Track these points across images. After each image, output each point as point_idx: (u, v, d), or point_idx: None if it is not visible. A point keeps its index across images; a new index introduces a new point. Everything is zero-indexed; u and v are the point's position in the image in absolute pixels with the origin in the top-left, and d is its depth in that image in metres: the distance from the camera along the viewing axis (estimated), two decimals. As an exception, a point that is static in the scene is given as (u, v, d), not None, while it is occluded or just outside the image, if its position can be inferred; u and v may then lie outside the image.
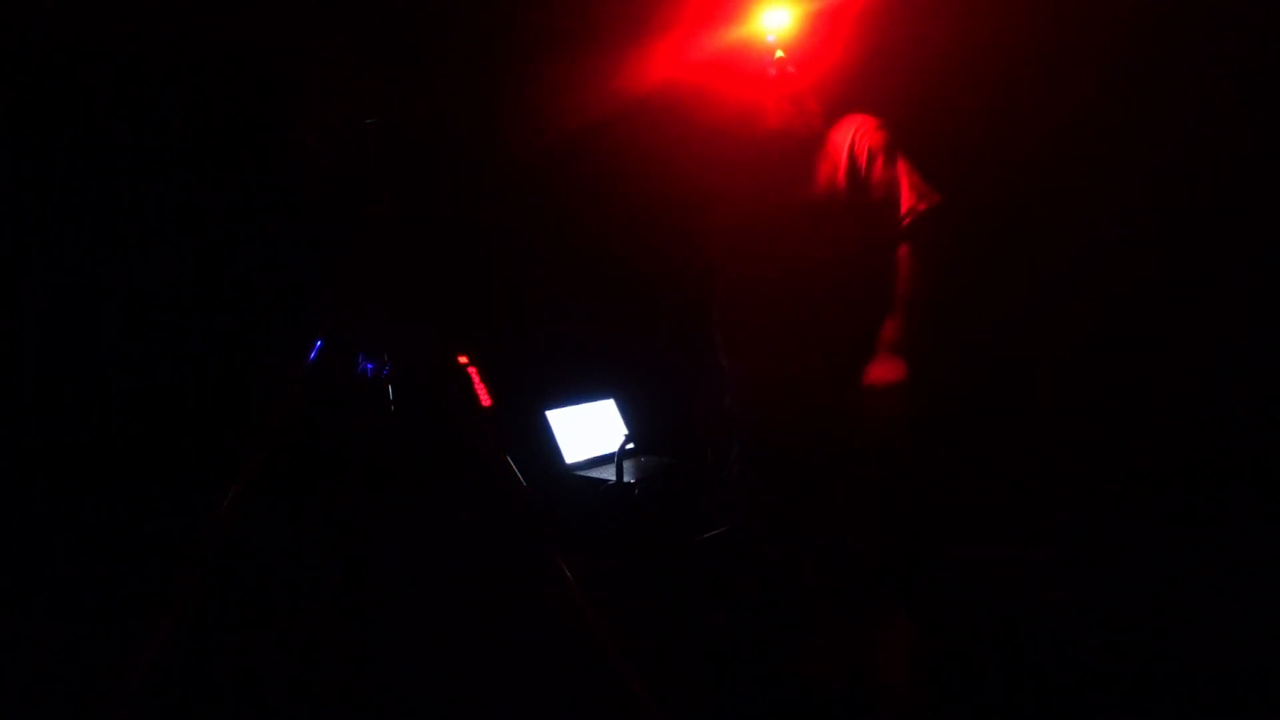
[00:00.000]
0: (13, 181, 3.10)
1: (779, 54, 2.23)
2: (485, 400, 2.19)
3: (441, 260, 3.13)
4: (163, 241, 3.35)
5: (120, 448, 3.63)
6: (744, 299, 2.22)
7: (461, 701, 2.38)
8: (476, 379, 2.17)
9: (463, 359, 2.17)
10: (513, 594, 3.10)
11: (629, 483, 2.91)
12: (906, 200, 2.17)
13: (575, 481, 3.06)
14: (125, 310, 3.40)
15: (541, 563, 2.17)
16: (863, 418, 2.09)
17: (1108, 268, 3.35)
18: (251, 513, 2.15)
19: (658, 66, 2.52)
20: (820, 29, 2.23)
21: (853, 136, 2.20)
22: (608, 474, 2.97)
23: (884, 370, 2.09)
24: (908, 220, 2.16)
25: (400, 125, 2.27)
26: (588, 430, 3.26)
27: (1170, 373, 3.44)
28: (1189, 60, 3.00)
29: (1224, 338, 3.35)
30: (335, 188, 2.27)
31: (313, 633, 2.37)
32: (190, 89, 3.13)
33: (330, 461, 2.61)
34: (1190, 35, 2.96)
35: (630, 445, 3.04)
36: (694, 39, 2.36)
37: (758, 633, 2.52)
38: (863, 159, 2.18)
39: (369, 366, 2.25)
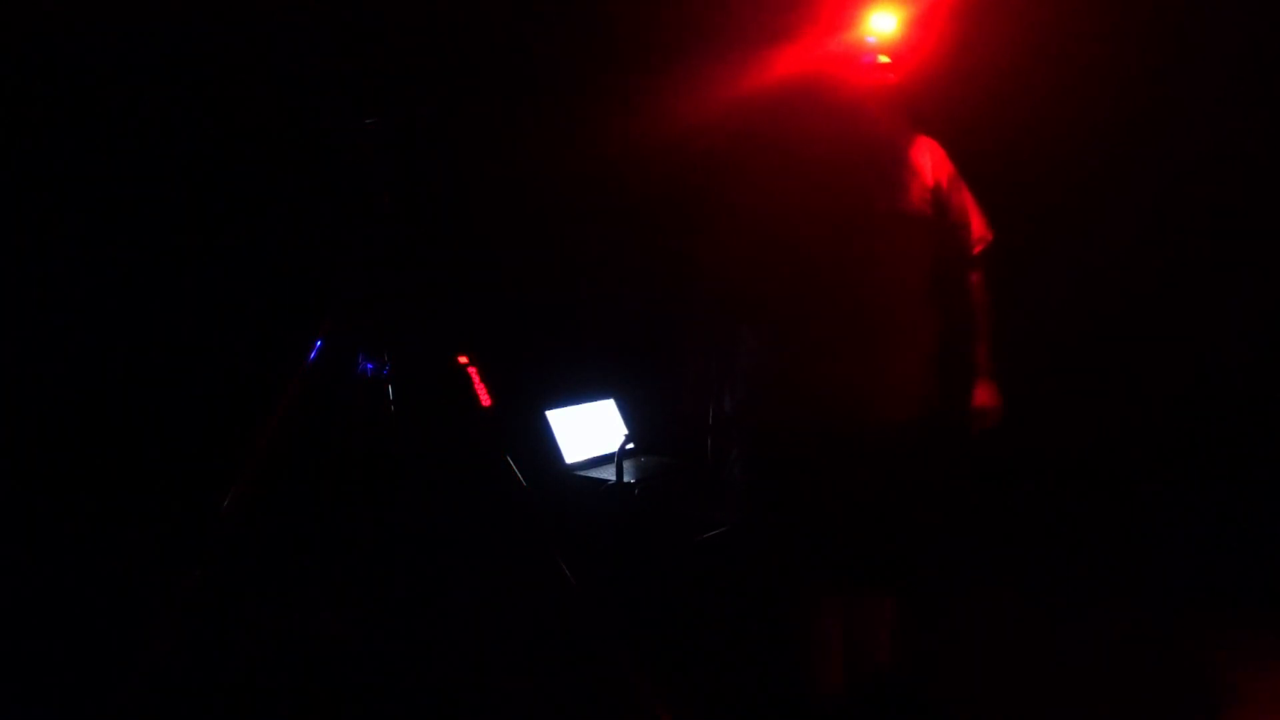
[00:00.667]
0: (11, 182, 3.10)
1: (883, 59, 2.21)
2: (485, 400, 2.19)
3: (442, 260, 3.13)
4: (163, 242, 3.35)
5: (121, 447, 3.63)
6: (813, 302, 2.17)
7: (462, 701, 2.38)
8: (476, 379, 2.17)
9: (463, 359, 2.17)
10: (513, 594, 3.10)
11: (629, 483, 2.91)
12: (977, 228, 2.29)
13: (575, 481, 3.06)
14: (126, 310, 3.40)
15: (542, 563, 2.17)
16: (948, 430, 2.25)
17: (1128, 268, 3.36)
18: (253, 512, 2.15)
19: (670, 73, 2.51)
20: (916, 35, 2.22)
21: (932, 157, 2.24)
22: (608, 474, 2.98)
23: (991, 395, 2.29)
24: (979, 248, 2.29)
25: (400, 125, 2.27)
26: (588, 430, 3.26)
27: (1170, 372, 3.45)
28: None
29: (1229, 338, 3.37)
30: (335, 187, 2.27)
31: (314, 632, 2.37)
32: (192, 89, 3.13)
33: (330, 461, 2.61)
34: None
35: (630, 445, 3.04)
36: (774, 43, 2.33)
37: (755, 630, 2.52)
38: (945, 181, 2.25)
39: (369, 366, 2.24)
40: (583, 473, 3.10)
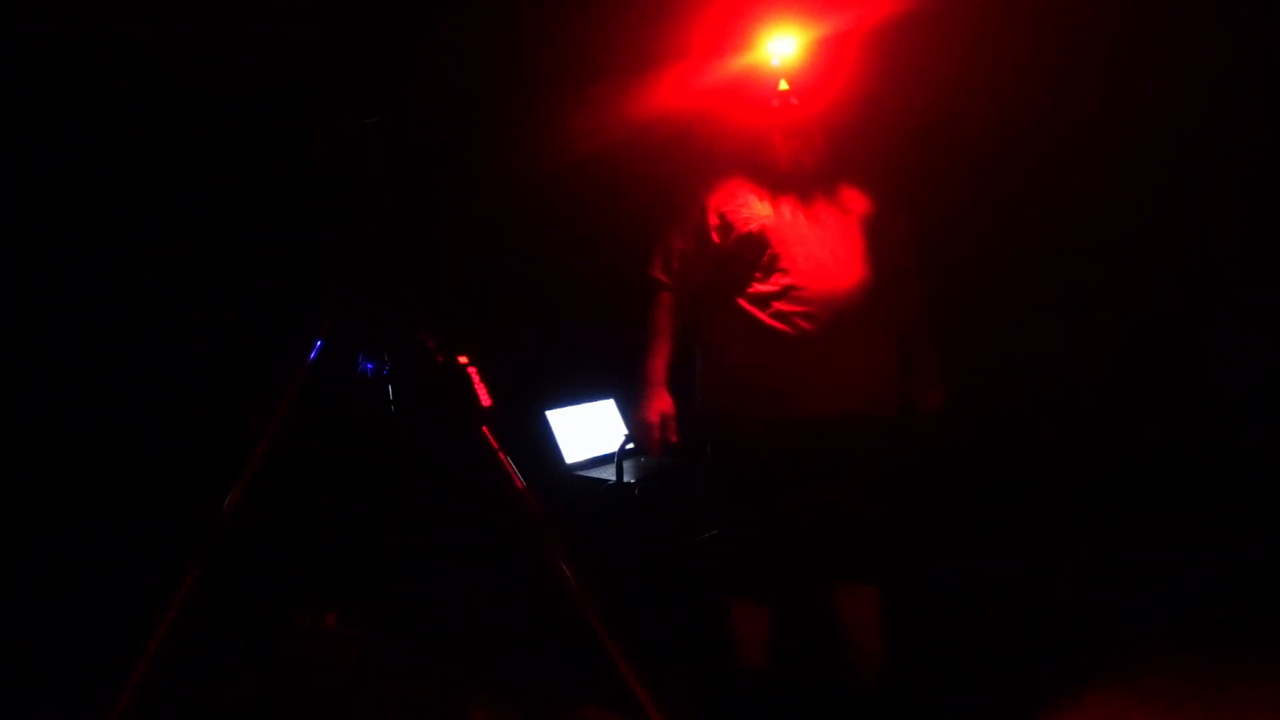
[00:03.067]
0: (16, 180, 3.10)
1: (783, 85, 2.21)
2: (485, 400, 2.19)
3: (442, 260, 3.13)
4: (163, 242, 3.35)
5: (121, 447, 3.63)
6: (829, 295, 2.20)
7: (461, 700, 2.38)
8: (476, 379, 2.17)
9: (463, 359, 2.17)
10: (513, 594, 3.10)
11: (629, 483, 2.91)
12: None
13: (575, 481, 3.06)
14: (127, 310, 3.40)
15: (542, 562, 2.17)
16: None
17: (1109, 281, 3.38)
18: (252, 512, 2.15)
19: (665, 90, 2.51)
20: (824, 58, 2.20)
21: (860, 175, 2.30)
22: (608, 474, 2.97)
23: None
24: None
25: (401, 125, 2.27)
26: (588, 430, 3.26)
27: (1151, 378, 3.46)
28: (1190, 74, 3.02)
29: (1226, 348, 3.37)
30: (336, 187, 2.27)
31: (313, 632, 2.37)
32: (193, 89, 3.13)
33: (330, 461, 2.61)
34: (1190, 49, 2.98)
35: (630, 445, 3.04)
36: (701, 67, 2.34)
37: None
38: (876, 195, 2.29)
39: (369, 366, 2.24)
40: (583, 473, 3.10)
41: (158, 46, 2.91)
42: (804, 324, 2.18)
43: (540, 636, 2.80)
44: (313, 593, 2.50)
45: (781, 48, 2.18)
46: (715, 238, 2.28)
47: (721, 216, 2.27)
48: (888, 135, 2.45)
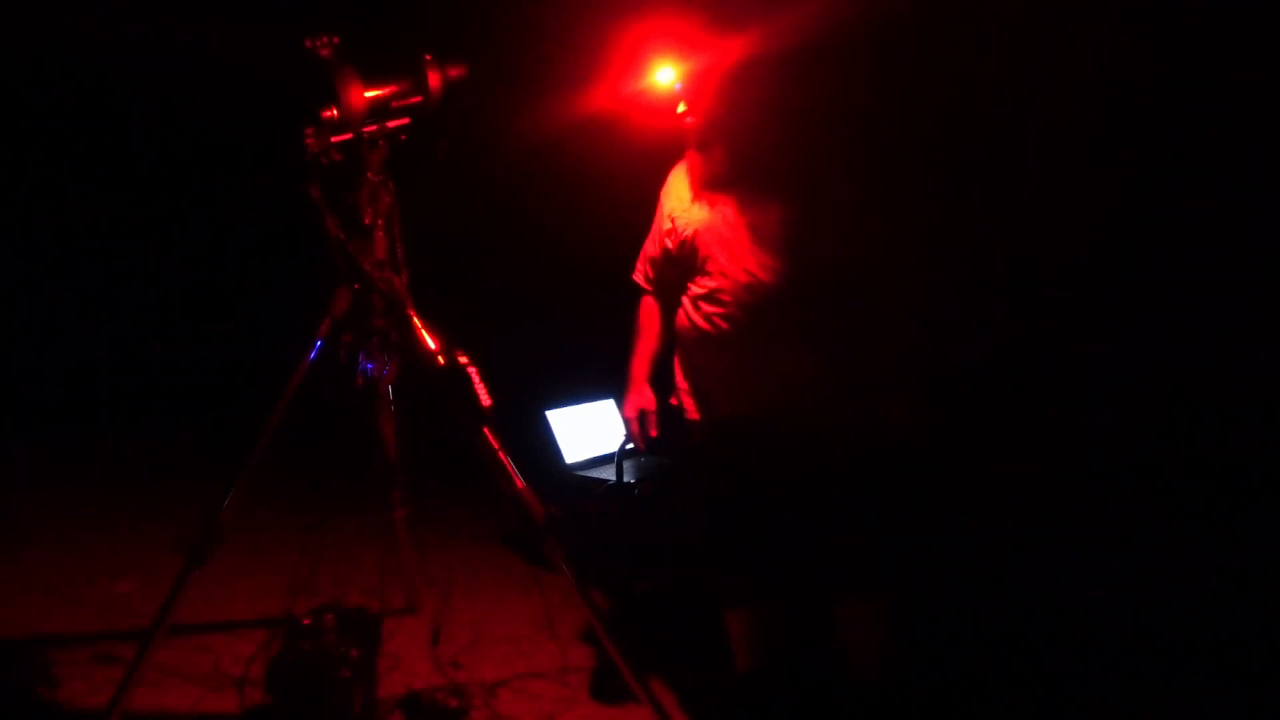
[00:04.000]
0: (17, 180, 3.11)
1: (681, 107, 2.27)
2: (485, 400, 2.19)
3: (442, 259, 3.14)
4: (166, 243, 3.35)
5: (121, 446, 3.64)
6: (748, 297, 2.21)
7: (462, 700, 2.38)
8: (477, 378, 2.17)
9: (463, 358, 2.16)
10: (512, 594, 3.10)
11: (629, 483, 2.92)
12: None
13: (575, 481, 3.07)
14: (127, 309, 3.41)
15: (541, 562, 2.18)
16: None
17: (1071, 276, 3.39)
18: (252, 512, 2.15)
19: (600, 102, 2.57)
20: (699, 86, 2.23)
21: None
22: (608, 474, 2.98)
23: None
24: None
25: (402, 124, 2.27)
26: (588, 430, 3.26)
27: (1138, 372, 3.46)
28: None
29: (1222, 340, 3.37)
30: (335, 187, 2.27)
31: (314, 631, 2.37)
32: (191, 89, 3.14)
33: (331, 460, 2.61)
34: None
35: (630, 445, 3.05)
36: (619, 84, 2.41)
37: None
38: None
39: (369, 366, 2.24)
40: (583, 473, 3.11)
41: (140, 47, 2.91)
42: (722, 324, 2.22)
43: (540, 636, 2.80)
44: (318, 592, 2.50)
45: (665, 77, 2.28)
46: (669, 242, 2.36)
47: (673, 221, 2.34)
48: (868, 135, 2.45)
